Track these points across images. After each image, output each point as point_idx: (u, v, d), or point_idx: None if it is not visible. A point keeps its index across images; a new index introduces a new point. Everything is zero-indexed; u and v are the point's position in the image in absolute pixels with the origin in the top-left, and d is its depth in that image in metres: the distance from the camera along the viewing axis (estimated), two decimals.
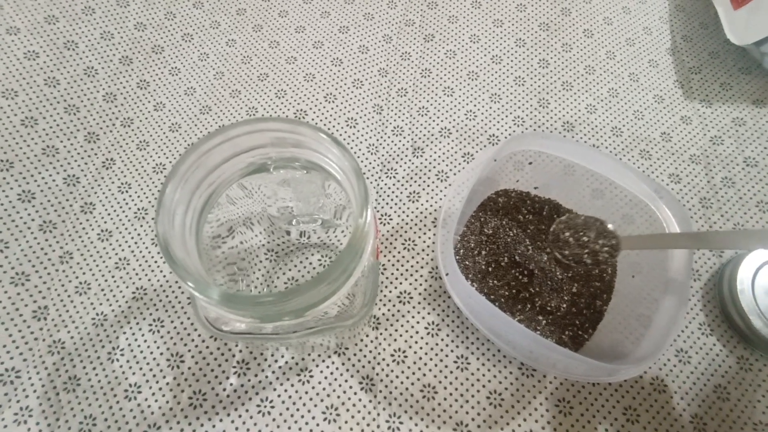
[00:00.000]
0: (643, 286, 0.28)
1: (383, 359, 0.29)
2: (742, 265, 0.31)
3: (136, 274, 0.31)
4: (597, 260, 0.26)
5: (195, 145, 0.17)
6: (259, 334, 0.19)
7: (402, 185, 0.35)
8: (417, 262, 0.32)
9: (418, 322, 0.31)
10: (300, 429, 0.28)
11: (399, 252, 0.33)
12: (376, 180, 0.35)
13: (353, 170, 0.17)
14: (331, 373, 0.29)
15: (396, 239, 0.33)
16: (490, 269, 0.30)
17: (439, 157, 0.36)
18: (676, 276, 0.26)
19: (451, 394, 0.29)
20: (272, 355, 0.29)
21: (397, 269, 0.32)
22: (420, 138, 0.37)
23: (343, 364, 0.29)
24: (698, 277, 0.33)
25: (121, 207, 0.33)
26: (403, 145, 0.37)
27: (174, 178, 0.16)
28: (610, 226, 0.27)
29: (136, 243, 0.32)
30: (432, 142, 0.37)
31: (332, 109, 0.38)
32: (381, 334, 0.30)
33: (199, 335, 0.30)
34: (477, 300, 0.24)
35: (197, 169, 0.17)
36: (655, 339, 0.23)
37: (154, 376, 0.28)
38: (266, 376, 0.29)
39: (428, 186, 0.35)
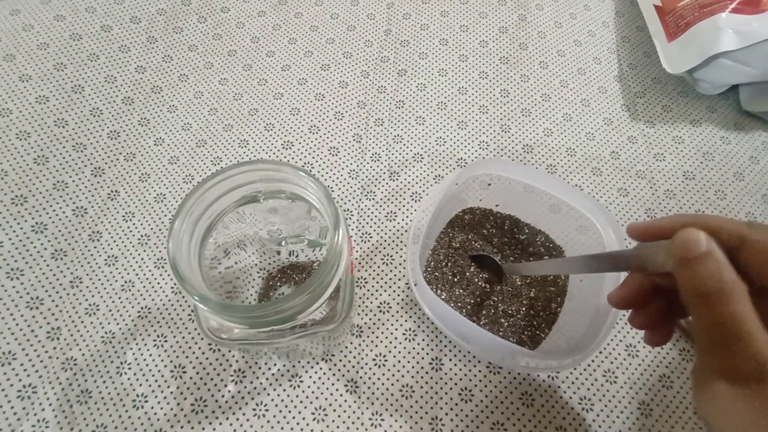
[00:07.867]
0: (589, 289, 0.32)
1: (366, 363, 0.33)
2: None
3: (141, 295, 0.35)
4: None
5: (198, 185, 0.21)
6: (253, 340, 0.23)
7: (380, 206, 0.39)
8: (395, 275, 0.36)
9: (396, 329, 0.34)
10: (292, 429, 0.31)
11: (378, 266, 0.36)
12: (356, 202, 0.39)
13: (326, 198, 0.21)
14: (319, 378, 0.32)
15: (375, 255, 0.37)
16: (456, 279, 0.34)
17: (413, 179, 0.40)
18: (610, 277, 0.29)
19: (426, 392, 0.32)
20: (266, 364, 0.33)
21: (377, 282, 0.36)
22: (396, 163, 0.41)
23: (329, 369, 0.33)
24: None
25: (125, 234, 0.37)
26: (381, 169, 0.41)
27: (181, 213, 0.20)
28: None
29: (140, 266, 0.35)
30: (406, 167, 0.41)
31: (316, 139, 0.42)
32: (363, 341, 0.34)
33: (200, 348, 0.33)
34: (441, 307, 0.28)
35: (199, 204, 0.21)
36: (592, 334, 0.27)
37: (159, 386, 0.32)
38: (261, 383, 0.32)
39: (403, 206, 0.39)
